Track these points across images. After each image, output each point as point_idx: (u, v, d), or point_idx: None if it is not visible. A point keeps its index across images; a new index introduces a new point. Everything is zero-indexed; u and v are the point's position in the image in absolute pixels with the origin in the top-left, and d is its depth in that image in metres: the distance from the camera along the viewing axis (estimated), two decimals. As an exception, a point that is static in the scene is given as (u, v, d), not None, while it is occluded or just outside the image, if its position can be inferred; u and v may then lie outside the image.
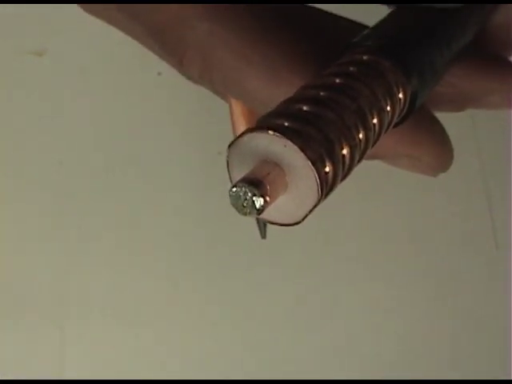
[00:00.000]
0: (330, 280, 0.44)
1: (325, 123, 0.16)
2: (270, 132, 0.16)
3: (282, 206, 0.16)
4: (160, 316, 0.43)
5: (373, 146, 0.19)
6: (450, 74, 0.26)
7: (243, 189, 0.16)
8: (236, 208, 0.16)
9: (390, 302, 0.45)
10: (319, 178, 0.16)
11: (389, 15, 0.24)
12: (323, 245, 0.45)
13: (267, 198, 0.15)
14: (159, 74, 0.47)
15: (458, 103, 0.28)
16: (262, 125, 0.16)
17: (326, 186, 0.16)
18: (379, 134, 0.19)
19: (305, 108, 0.17)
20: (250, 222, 0.44)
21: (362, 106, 0.17)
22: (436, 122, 0.27)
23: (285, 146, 0.15)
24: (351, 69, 0.19)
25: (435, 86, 0.23)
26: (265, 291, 0.44)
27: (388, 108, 0.19)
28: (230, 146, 0.17)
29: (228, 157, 0.17)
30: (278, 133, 0.16)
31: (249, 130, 0.16)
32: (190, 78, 0.28)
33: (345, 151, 0.17)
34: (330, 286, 0.44)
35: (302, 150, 0.15)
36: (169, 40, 0.26)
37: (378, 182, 0.46)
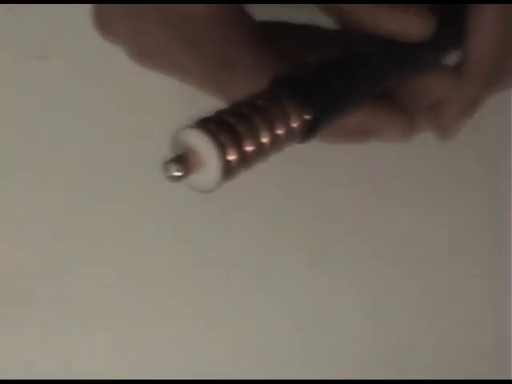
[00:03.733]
0: (330, 281, 0.45)
1: (234, 127, 0.23)
2: (192, 128, 0.23)
3: (200, 178, 0.23)
4: (161, 316, 0.43)
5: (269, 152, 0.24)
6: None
7: (167, 164, 0.23)
8: (165, 177, 0.23)
9: (389, 302, 0.45)
10: (222, 159, 0.22)
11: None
12: (323, 245, 0.45)
13: (184, 169, 0.22)
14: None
15: (362, 135, 0.31)
16: (188, 125, 0.23)
17: (229, 169, 0.23)
18: (270, 148, 0.24)
19: (225, 117, 0.23)
20: (251, 221, 0.44)
21: (259, 124, 0.24)
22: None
23: (198, 136, 0.23)
24: (259, 100, 0.25)
25: (344, 111, 0.28)
26: (265, 291, 0.44)
27: (280, 131, 0.24)
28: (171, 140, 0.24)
29: (171, 146, 0.24)
30: (196, 127, 0.23)
31: (179, 129, 0.23)
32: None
33: (248, 148, 0.23)
34: (330, 287, 0.44)
35: (210, 136, 0.22)
36: None
37: (378, 183, 0.46)
